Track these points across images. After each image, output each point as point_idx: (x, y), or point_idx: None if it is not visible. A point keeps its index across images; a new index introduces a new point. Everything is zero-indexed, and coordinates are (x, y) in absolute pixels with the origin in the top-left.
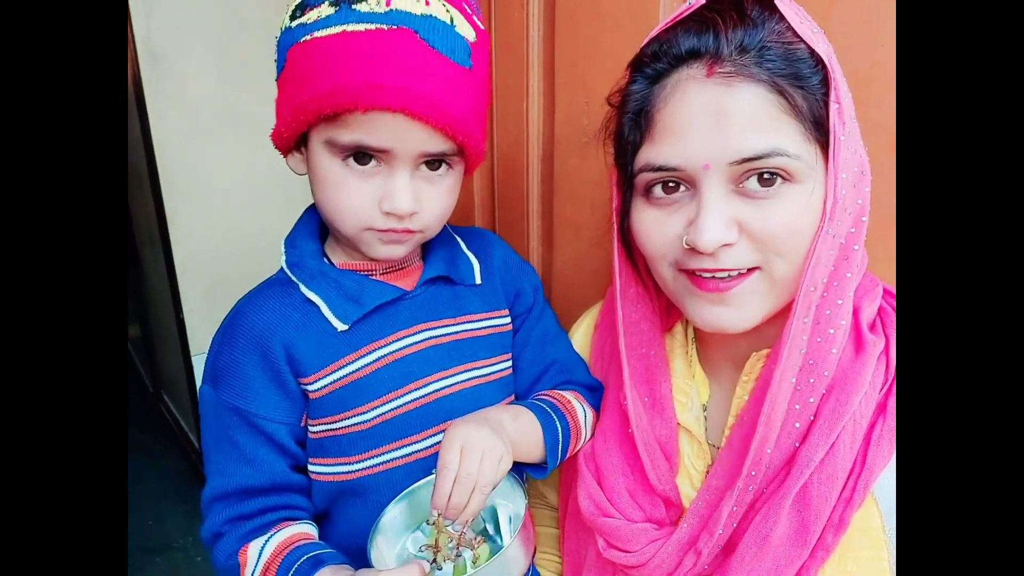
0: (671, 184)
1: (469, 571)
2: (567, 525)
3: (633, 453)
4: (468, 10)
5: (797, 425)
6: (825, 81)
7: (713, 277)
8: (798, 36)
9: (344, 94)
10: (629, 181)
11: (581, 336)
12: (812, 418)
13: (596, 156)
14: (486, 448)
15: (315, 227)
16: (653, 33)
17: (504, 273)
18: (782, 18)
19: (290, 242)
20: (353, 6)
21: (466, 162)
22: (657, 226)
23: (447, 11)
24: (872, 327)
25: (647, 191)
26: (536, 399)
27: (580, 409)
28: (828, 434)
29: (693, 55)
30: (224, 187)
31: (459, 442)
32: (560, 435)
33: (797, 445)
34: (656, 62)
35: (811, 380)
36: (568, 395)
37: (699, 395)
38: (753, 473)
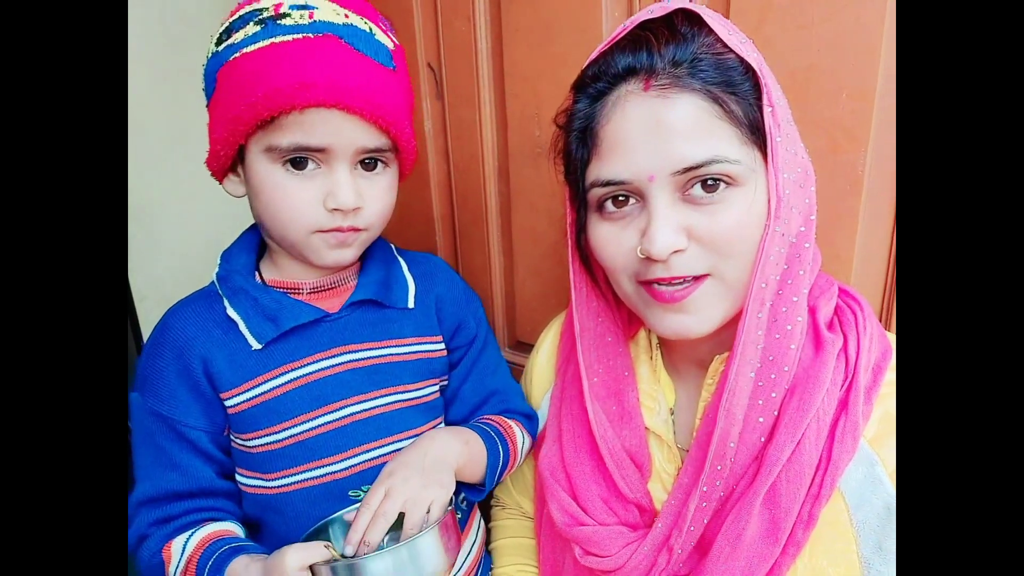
0: (621, 198)
1: (376, 551)
2: (542, 535)
3: (604, 462)
4: (383, 26)
5: (761, 420)
6: (757, 87)
7: (669, 285)
8: (727, 47)
9: (279, 96)
10: (582, 197)
11: (549, 344)
12: (776, 414)
13: (550, 166)
14: (410, 498)
15: (254, 243)
16: (593, 55)
17: (447, 303)
18: (711, 31)
19: (225, 256)
20: (278, 21)
21: (400, 161)
22: (613, 240)
23: (365, 23)
24: (830, 326)
25: (600, 206)
26: (481, 423)
27: (520, 436)
28: (793, 433)
29: (630, 72)
30: (177, 213)
31: (384, 488)
32: (501, 460)
33: (763, 440)
34: (597, 82)
35: (772, 376)
36: (509, 421)
37: (666, 399)
38: (719, 467)
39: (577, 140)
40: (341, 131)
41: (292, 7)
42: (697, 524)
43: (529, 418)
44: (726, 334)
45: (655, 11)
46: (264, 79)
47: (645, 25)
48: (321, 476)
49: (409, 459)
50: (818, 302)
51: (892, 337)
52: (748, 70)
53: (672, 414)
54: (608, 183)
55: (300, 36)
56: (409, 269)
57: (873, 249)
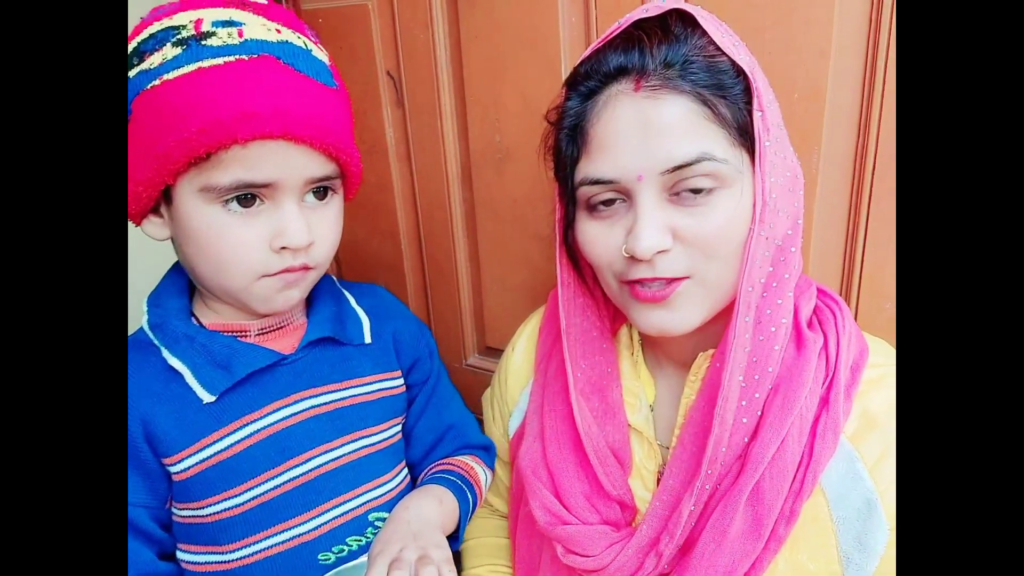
0: (609, 196)
1: None
2: (518, 533)
3: (587, 458)
4: (314, 39)
5: (745, 420)
6: (748, 90)
7: (650, 288)
8: (720, 49)
9: (217, 129)
10: (571, 194)
11: (525, 340)
12: (760, 414)
13: (512, 172)
14: (419, 560)
15: (184, 284)
16: (586, 53)
17: (405, 337)
18: (704, 33)
19: (153, 300)
20: (203, 42)
21: (346, 185)
22: (600, 238)
23: (299, 38)
24: (810, 325)
25: (588, 204)
26: (446, 473)
27: (483, 475)
28: (778, 431)
29: (621, 71)
30: None
31: (384, 562)
32: (471, 507)
33: (747, 440)
34: (588, 80)
35: (756, 377)
36: (471, 461)
37: (646, 396)
38: (710, 472)
39: (567, 138)
40: (289, 163)
41: (216, 24)
42: (687, 527)
43: (487, 449)
44: (708, 331)
45: (649, 10)
46: (197, 110)
47: (639, 24)
48: (288, 540)
49: (396, 532)
50: (798, 302)
51: (868, 337)
52: (740, 73)
53: (652, 411)
54: (597, 182)
55: (232, 58)
56: (358, 303)
57: (829, 246)
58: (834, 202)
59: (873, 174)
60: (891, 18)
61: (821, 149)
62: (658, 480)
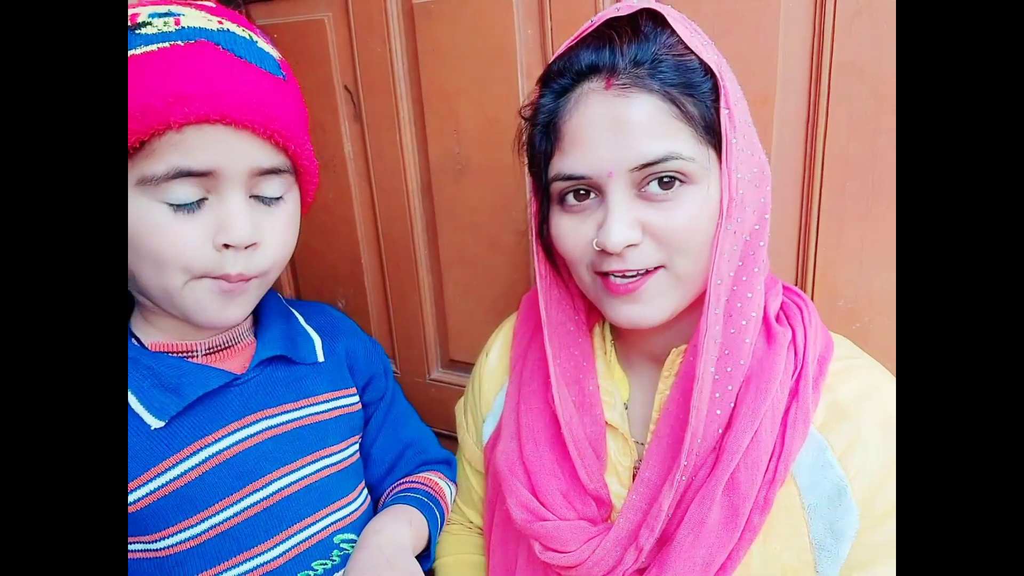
0: (581, 191)
1: None
2: (494, 536)
3: (564, 454)
4: (265, 38)
5: (719, 412)
6: (716, 88)
7: (623, 277)
8: (688, 48)
9: (147, 114)
10: (545, 189)
11: (500, 344)
12: (732, 406)
13: (472, 182)
14: None
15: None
16: (559, 50)
17: (359, 355)
18: (673, 32)
19: None
20: (137, 31)
21: (301, 185)
22: (573, 232)
23: (243, 30)
24: (778, 320)
25: (561, 199)
26: (411, 492)
27: (447, 489)
28: (752, 421)
29: (593, 70)
30: None
31: None
32: (439, 523)
33: (721, 431)
34: (561, 77)
35: (728, 369)
36: (435, 477)
37: (620, 394)
38: (685, 464)
39: (541, 134)
40: (229, 149)
41: (153, 15)
42: (665, 519)
43: (448, 463)
44: (679, 327)
45: (621, 9)
46: (128, 97)
47: (610, 23)
48: (251, 571)
49: (370, 559)
50: (767, 298)
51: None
52: (708, 71)
53: (626, 408)
54: (569, 177)
55: (167, 44)
56: (307, 321)
57: (782, 245)
58: (786, 203)
59: (822, 173)
60: (833, 24)
61: (772, 151)
62: (633, 476)
